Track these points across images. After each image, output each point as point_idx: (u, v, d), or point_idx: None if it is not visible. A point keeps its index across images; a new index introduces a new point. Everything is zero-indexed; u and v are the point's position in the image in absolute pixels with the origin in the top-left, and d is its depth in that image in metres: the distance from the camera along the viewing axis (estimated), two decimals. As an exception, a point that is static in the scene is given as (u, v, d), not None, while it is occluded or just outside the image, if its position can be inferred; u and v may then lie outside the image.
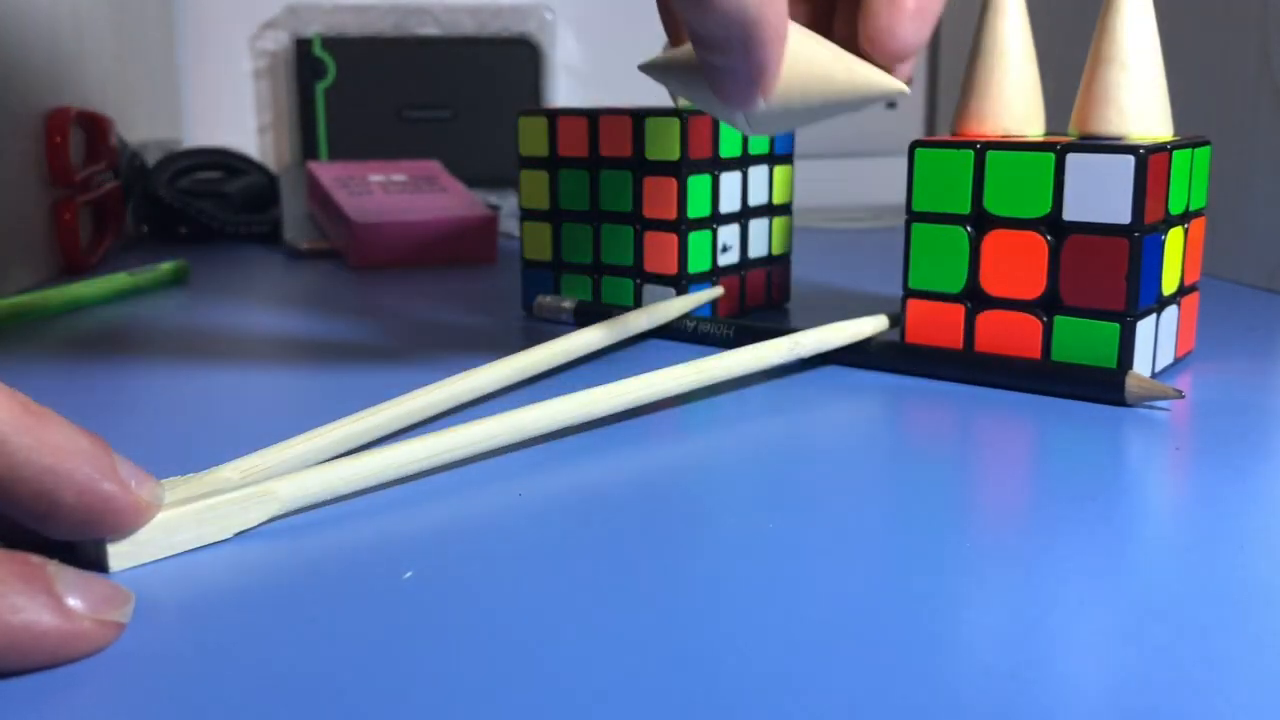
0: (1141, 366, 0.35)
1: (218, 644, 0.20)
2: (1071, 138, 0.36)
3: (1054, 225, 0.35)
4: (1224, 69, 0.55)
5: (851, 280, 0.56)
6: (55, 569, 0.19)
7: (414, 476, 0.28)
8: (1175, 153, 0.35)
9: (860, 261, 0.63)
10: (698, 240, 0.43)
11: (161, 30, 0.82)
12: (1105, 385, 0.33)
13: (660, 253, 0.43)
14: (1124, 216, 0.34)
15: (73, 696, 0.18)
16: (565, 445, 0.30)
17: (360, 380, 0.38)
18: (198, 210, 0.70)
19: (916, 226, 0.37)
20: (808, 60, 0.28)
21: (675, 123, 0.42)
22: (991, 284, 0.36)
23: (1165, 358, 0.37)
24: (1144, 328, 0.35)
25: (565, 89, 0.90)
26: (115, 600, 0.20)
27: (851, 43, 0.30)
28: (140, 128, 0.74)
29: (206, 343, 0.44)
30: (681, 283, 0.43)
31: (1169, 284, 0.36)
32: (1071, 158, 0.34)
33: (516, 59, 0.84)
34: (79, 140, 0.61)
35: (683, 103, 0.44)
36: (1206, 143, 0.38)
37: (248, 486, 0.24)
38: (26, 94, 0.55)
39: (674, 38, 0.35)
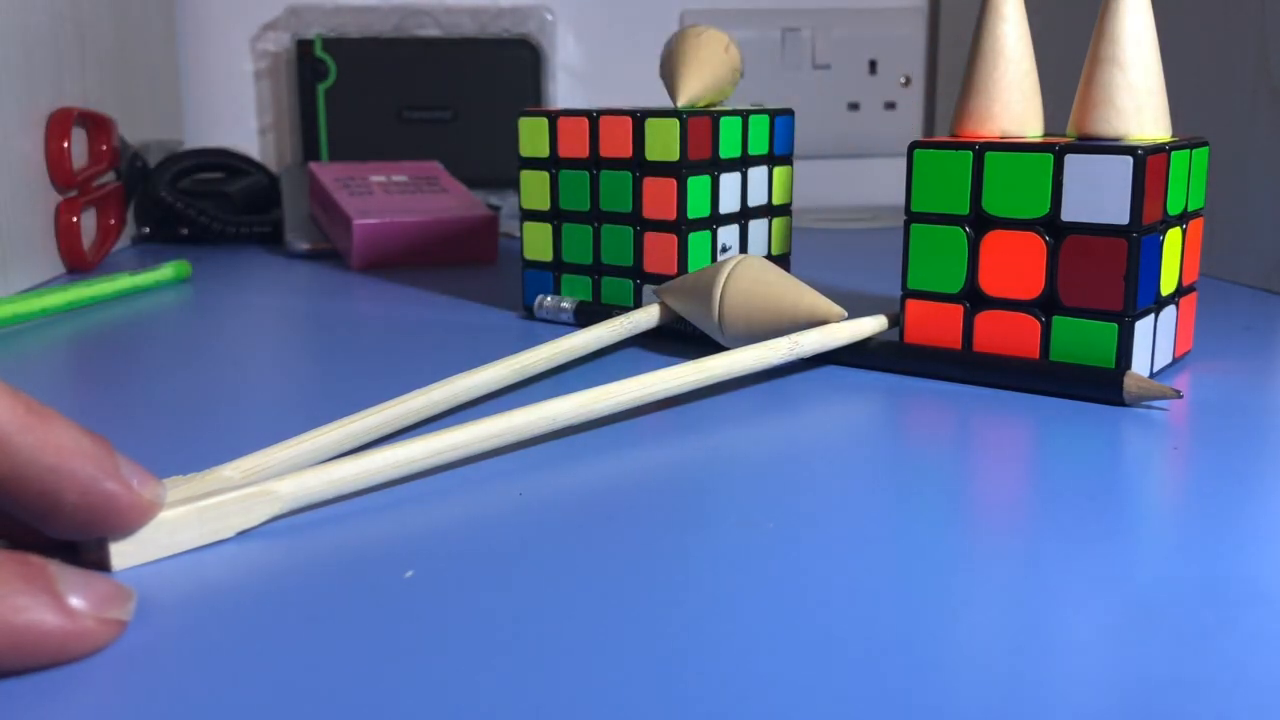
0: (1140, 366, 0.35)
1: (219, 642, 0.20)
2: (1070, 138, 0.36)
3: (1052, 226, 0.35)
4: (1222, 70, 0.55)
5: (851, 280, 0.56)
6: (56, 568, 0.19)
7: (414, 476, 0.28)
8: (1173, 153, 0.35)
9: (860, 262, 0.63)
10: (697, 241, 0.44)
11: (163, 31, 0.82)
12: (1103, 385, 0.34)
13: (660, 253, 0.44)
14: (1122, 217, 0.34)
15: (75, 695, 0.18)
16: (565, 445, 0.31)
17: (360, 380, 0.38)
18: (199, 211, 0.70)
19: (915, 227, 0.37)
20: (768, 285, 0.38)
21: (675, 123, 0.42)
22: (990, 284, 0.36)
23: (1163, 358, 0.37)
24: (1142, 328, 0.35)
25: (565, 90, 0.90)
26: (117, 598, 0.20)
27: None
28: (142, 128, 0.74)
29: (207, 343, 0.44)
30: (681, 283, 0.43)
31: (1167, 284, 0.36)
32: (1070, 158, 0.34)
33: (517, 60, 0.84)
34: (81, 141, 0.62)
35: (683, 103, 0.44)
36: (1205, 143, 0.38)
37: (249, 486, 0.25)
38: (28, 95, 0.55)
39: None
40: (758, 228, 0.47)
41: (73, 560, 0.22)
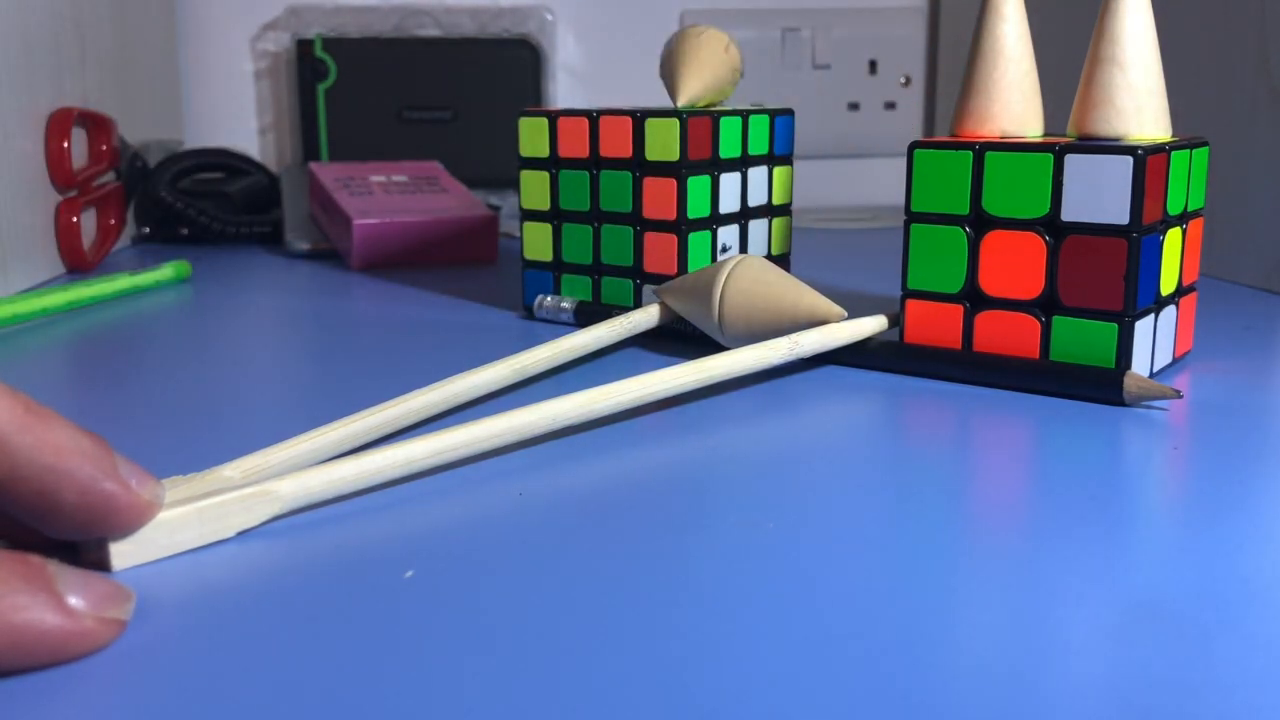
0: (1140, 366, 0.35)
1: (219, 642, 0.20)
2: (1070, 138, 0.36)
3: (1052, 226, 0.35)
4: (1222, 70, 0.55)
5: (851, 280, 0.56)
6: (56, 568, 0.19)
7: (414, 476, 0.28)
8: (1173, 153, 0.35)
9: (860, 262, 0.63)
10: (697, 240, 0.44)
11: (163, 31, 0.82)
12: (1103, 385, 0.34)
13: (660, 253, 0.43)
14: (1122, 217, 0.34)
15: (75, 695, 0.18)
16: (565, 445, 0.31)
17: (360, 380, 0.38)
18: (199, 211, 0.70)
19: (915, 227, 0.37)
20: (768, 284, 0.38)
21: (675, 123, 0.42)
22: (990, 284, 0.36)
23: (1163, 358, 0.37)
24: (1142, 328, 0.35)
25: (565, 89, 0.90)
26: (116, 598, 0.20)
27: None
28: (142, 128, 0.74)
29: (207, 343, 0.44)
30: (681, 283, 0.43)
31: (1167, 284, 0.36)
32: (1070, 158, 0.34)
33: (517, 60, 0.84)
34: (81, 141, 0.62)
35: (683, 103, 0.44)
36: (1205, 143, 0.38)
37: (249, 486, 0.25)
38: (28, 95, 0.55)
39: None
40: (758, 228, 0.47)
41: (73, 560, 0.22)
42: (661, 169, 0.43)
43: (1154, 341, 0.36)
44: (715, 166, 0.44)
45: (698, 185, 0.43)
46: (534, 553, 0.23)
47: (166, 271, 0.56)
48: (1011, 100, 0.38)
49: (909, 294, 0.38)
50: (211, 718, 0.17)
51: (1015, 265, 0.36)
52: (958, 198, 0.36)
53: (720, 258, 0.45)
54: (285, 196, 0.72)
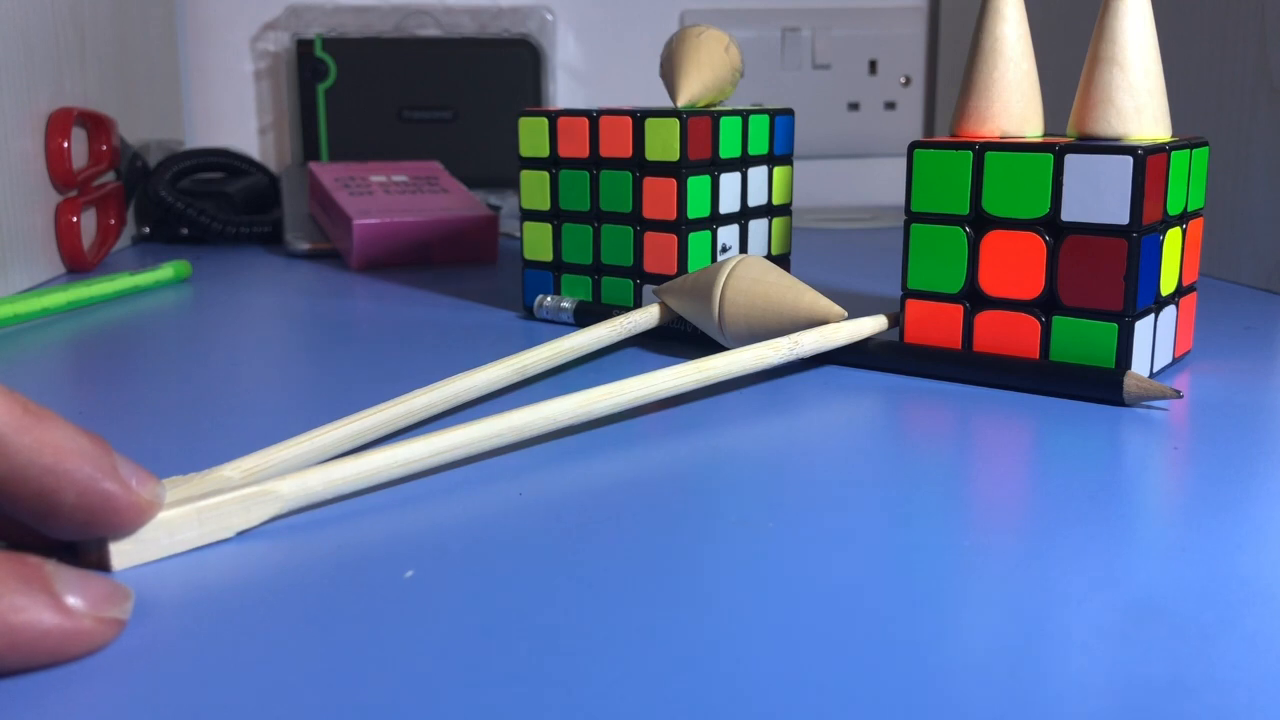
0: (1140, 366, 0.35)
1: (219, 642, 0.20)
2: (1070, 138, 0.36)
3: (1052, 226, 0.35)
4: (1222, 69, 0.55)
5: (851, 280, 0.56)
6: (53, 568, 0.19)
7: (415, 476, 0.28)
8: (1173, 153, 0.35)
9: (860, 262, 0.63)
10: (697, 241, 0.44)
11: (163, 31, 0.82)
12: (1103, 385, 0.34)
13: (660, 253, 0.43)
14: (1122, 217, 0.34)
15: (75, 695, 0.18)
16: (565, 445, 0.31)
17: (360, 380, 0.38)
18: (199, 211, 0.70)
19: (915, 227, 0.37)
20: (768, 285, 0.37)
21: (675, 123, 0.42)
22: (990, 284, 0.36)
23: (1163, 358, 0.37)
24: (1142, 328, 0.35)
25: (565, 89, 0.90)
26: (115, 598, 0.20)
27: None
28: (142, 128, 0.74)
29: (207, 343, 0.44)
30: (681, 283, 0.43)
31: (1167, 284, 0.36)
32: (1070, 158, 0.34)
33: (517, 60, 0.84)
34: (81, 141, 0.62)
35: (683, 103, 0.44)
36: (1205, 143, 0.38)
37: (249, 486, 0.25)
38: (28, 95, 0.55)
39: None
40: (758, 228, 0.47)
41: (73, 561, 0.22)
42: (661, 169, 0.43)
43: (1154, 341, 0.36)
44: (715, 166, 0.44)
45: (698, 185, 0.43)
46: (534, 553, 0.23)
47: (166, 271, 0.56)
48: (1011, 100, 0.38)
49: (909, 294, 0.38)
50: (211, 718, 0.17)
51: (1015, 265, 0.36)
52: (958, 198, 0.36)
53: (720, 258, 0.45)
54: (285, 196, 0.72)
